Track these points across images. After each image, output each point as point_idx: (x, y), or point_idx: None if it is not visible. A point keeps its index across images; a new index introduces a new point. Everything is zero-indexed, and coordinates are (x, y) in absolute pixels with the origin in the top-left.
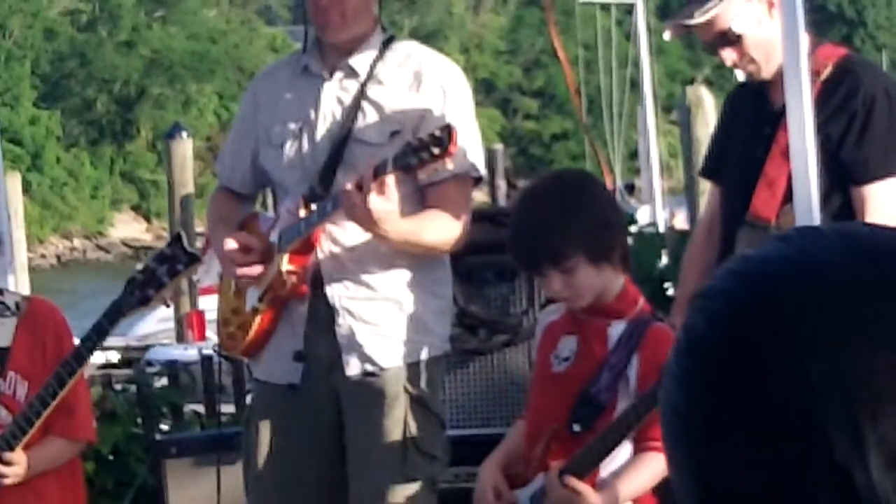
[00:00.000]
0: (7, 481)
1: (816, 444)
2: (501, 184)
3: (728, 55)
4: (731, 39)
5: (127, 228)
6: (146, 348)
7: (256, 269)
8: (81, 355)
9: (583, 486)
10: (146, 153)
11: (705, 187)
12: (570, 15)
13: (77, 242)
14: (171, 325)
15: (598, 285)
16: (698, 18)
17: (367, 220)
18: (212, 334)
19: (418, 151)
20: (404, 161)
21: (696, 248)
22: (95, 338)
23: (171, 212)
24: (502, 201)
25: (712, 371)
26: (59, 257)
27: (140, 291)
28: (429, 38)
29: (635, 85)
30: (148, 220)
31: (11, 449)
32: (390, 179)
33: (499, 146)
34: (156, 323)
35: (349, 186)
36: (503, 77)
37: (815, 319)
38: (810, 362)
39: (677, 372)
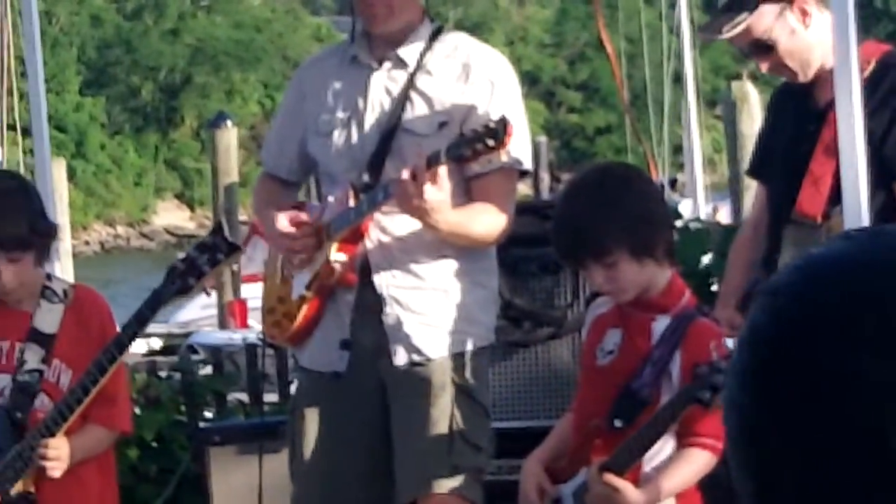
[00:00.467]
0: (51, 467)
1: (874, 444)
2: (545, 176)
3: (762, 64)
4: (763, 50)
5: (170, 216)
6: (188, 335)
7: (309, 242)
8: (122, 343)
9: (621, 483)
10: (190, 141)
11: (749, 183)
12: (614, 8)
13: (120, 230)
14: (214, 312)
15: (642, 280)
16: (726, 34)
17: (420, 209)
18: (254, 322)
19: (473, 143)
20: (457, 152)
21: (742, 245)
22: (136, 326)
23: (215, 200)
24: (546, 194)
25: (772, 367)
26: (102, 244)
27: (181, 280)
28: (473, 30)
29: (680, 79)
30: (191, 208)
31: (52, 436)
32: (443, 170)
33: (543, 138)
34: (199, 310)
35: (405, 175)
36: (547, 70)
37: (876, 318)
38: (871, 361)
39: (738, 367)
